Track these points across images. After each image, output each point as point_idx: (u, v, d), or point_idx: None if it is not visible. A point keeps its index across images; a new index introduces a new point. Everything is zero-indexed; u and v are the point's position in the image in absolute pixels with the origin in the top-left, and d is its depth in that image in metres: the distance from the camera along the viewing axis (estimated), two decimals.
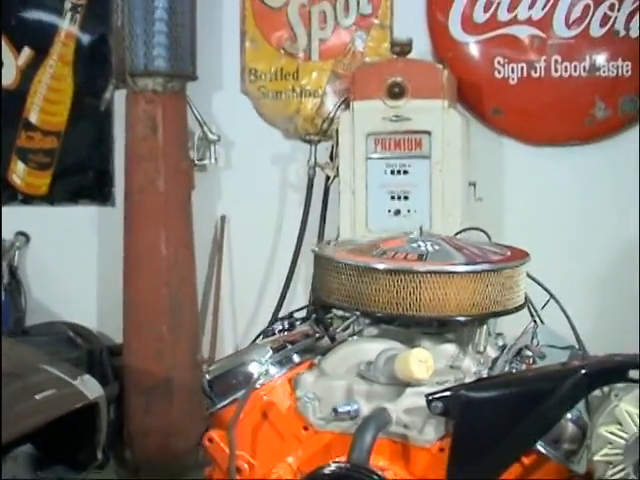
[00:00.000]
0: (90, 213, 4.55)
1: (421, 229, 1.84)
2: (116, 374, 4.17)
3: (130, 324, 4.06)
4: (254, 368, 1.68)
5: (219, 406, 1.70)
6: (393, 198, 3.61)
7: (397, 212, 3.61)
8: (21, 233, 4.65)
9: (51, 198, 4.65)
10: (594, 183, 3.90)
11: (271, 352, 1.70)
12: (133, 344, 4.06)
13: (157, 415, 4.00)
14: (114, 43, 4.11)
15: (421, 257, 1.72)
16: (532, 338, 1.84)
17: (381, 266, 1.68)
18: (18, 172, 4.70)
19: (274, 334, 1.86)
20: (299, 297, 4.05)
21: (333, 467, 1.51)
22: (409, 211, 3.60)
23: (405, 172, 3.59)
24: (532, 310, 1.98)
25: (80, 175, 4.62)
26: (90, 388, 3.02)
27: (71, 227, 4.57)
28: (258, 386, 1.66)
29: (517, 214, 3.94)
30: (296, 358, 1.74)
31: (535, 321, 2.00)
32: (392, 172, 3.60)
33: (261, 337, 1.87)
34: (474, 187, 3.73)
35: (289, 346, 1.75)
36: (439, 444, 1.54)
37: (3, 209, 4.62)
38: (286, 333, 1.86)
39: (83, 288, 4.55)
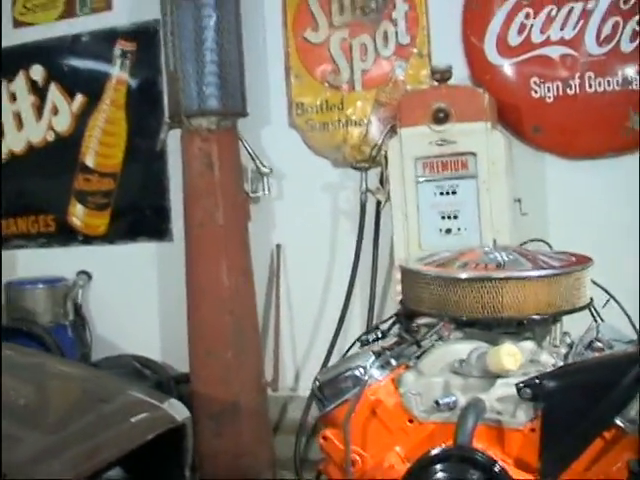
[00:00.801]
0: (149, 249, 4.87)
1: (495, 242, 2.14)
2: (182, 402, 4.44)
3: (196, 353, 4.32)
4: (360, 372, 1.98)
5: (331, 407, 1.99)
6: (443, 218, 3.88)
7: (448, 231, 3.87)
8: (83, 272, 4.98)
9: (110, 237, 4.99)
10: (632, 192, 4.11)
11: (373, 358, 2.00)
12: (200, 372, 4.32)
13: (226, 438, 4.24)
14: (167, 85, 4.42)
15: (499, 266, 2.01)
16: (597, 333, 2.13)
17: (466, 276, 1.97)
18: (77, 214, 5.04)
19: (369, 343, 2.15)
20: (356, 318, 4.31)
21: (440, 450, 1.80)
22: (459, 229, 3.86)
23: (453, 192, 3.86)
24: (593, 310, 2.27)
25: (137, 213, 4.95)
26: (177, 411, 3.28)
27: (131, 264, 4.89)
28: (366, 387, 1.95)
29: (561, 226, 4.14)
30: (394, 362, 2.04)
31: (596, 319, 2.28)
32: (441, 193, 3.87)
33: (358, 345, 2.16)
34: (519, 203, 3.98)
35: (387, 352, 2.04)
36: (530, 425, 1.83)
37: (64, 250, 4.98)
38: (380, 341, 2.15)
39: (146, 321, 4.86)
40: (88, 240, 5.04)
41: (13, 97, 5.20)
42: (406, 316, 2.16)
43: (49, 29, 5.11)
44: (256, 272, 4.38)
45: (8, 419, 2.76)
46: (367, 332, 2.23)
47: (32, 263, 5.20)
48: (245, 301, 4.32)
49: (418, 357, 2.02)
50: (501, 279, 1.94)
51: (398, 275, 2.67)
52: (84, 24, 5.02)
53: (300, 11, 4.50)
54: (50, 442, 2.74)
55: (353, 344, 2.19)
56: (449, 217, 3.88)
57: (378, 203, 4.15)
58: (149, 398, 3.31)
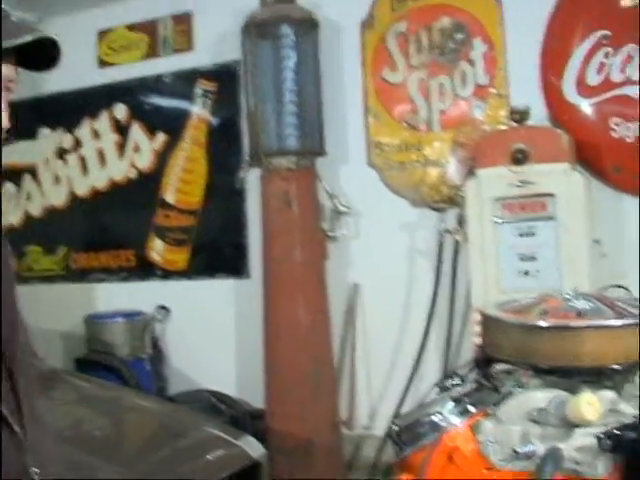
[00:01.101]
0: (227, 285, 4.96)
1: (575, 290, 2.15)
2: (257, 437, 4.49)
3: (272, 389, 4.39)
4: (438, 418, 2.00)
5: (408, 452, 2.02)
6: (522, 259, 3.88)
7: (526, 273, 3.87)
8: (162, 307, 5.09)
9: (189, 273, 5.11)
10: None
11: (452, 404, 2.02)
12: (276, 408, 4.38)
13: (300, 475, 4.27)
14: (247, 125, 4.52)
15: (579, 314, 2.02)
16: None
17: (546, 324, 1.99)
18: (157, 249, 5.18)
19: (447, 389, 2.18)
20: (432, 358, 4.32)
21: None
22: (538, 271, 3.86)
23: (532, 234, 3.86)
24: None
25: (216, 250, 5.06)
26: (253, 447, 3.34)
27: (209, 299, 5.00)
28: (444, 433, 1.97)
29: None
30: (472, 408, 2.05)
31: None
32: (520, 234, 3.88)
33: (436, 390, 2.18)
34: (598, 244, 3.96)
35: (465, 398, 2.06)
36: (609, 477, 1.83)
37: (144, 284, 5.10)
38: (458, 387, 2.17)
39: (222, 356, 4.95)
40: (167, 275, 5.17)
41: (96, 135, 5.37)
42: (484, 362, 2.18)
43: (132, 69, 5.30)
44: (333, 310, 4.43)
45: (84, 450, 2.86)
46: (445, 377, 2.25)
47: (112, 296, 5.35)
48: (321, 339, 4.37)
49: (497, 404, 2.04)
50: (582, 328, 1.95)
51: (476, 317, 2.69)
52: (166, 64, 5.19)
53: (378, 51, 4.58)
54: (125, 474, 2.82)
55: (431, 389, 2.21)
56: (527, 259, 3.88)
57: (456, 243, 4.17)
58: (225, 434, 3.38)
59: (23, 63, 1.34)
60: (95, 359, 4.93)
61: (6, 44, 1.25)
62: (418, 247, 4.45)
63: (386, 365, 4.52)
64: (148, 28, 5.24)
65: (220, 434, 3.37)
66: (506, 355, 2.07)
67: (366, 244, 4.58)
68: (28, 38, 1.27)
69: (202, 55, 5.06)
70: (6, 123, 1.34)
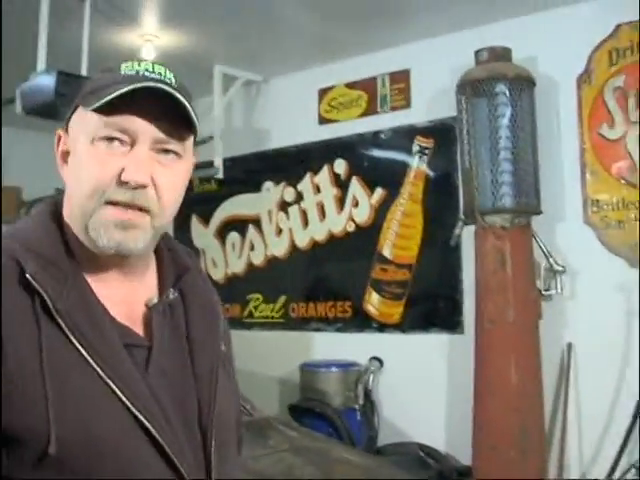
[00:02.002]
0: (440, 340, 5.03)
1: None
2: None
3: (480, 447, 4.39)
4: None
5: None
6: None
7: None
8: (375, 358, 5.22)
9: (403, 326, 5.22)
10: None
11: None
12: (483, 467, 4.37)
13: None
14: (462, 183, 4.59)
15: None
16: None
17: None
18: (373, 302, 5.33)
19: None
20: None
21: None
22: None
23: None
24: None
25: (430, 305, 5.14)
26: None
27: (422, 353, 5.08)
28: None
29: None
30: None
31: None
32: None
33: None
34: None
35: None
36: None
37: (359, 336, 5.26)
38: None
39: (433, 411, 5.00)
40: (382, 328, 5.30)
41: (318, 189, 5.61)
42: None
43: (352, 126, 5.52)
44: (545, 371, 4.39)
45: None
46: None
47: (328, 346, 5.54)
48: (532, 400, 4.34)
49: None
50: None
51: None
52: (384, 121, 5.38)
53: (596, 107, 4.53)
54: None
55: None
56: None
57: None
58: None
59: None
60: (309, 407, 5.10)
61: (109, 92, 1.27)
62: (635, 309, 4.32)
63: (599, 430, 4.40)
64: (367, 86, 5.44)
65: None
66: None
67: (581, 304, 4.51)
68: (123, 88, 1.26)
69: (418, 112, 5.20)
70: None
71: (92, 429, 1.23)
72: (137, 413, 1.25)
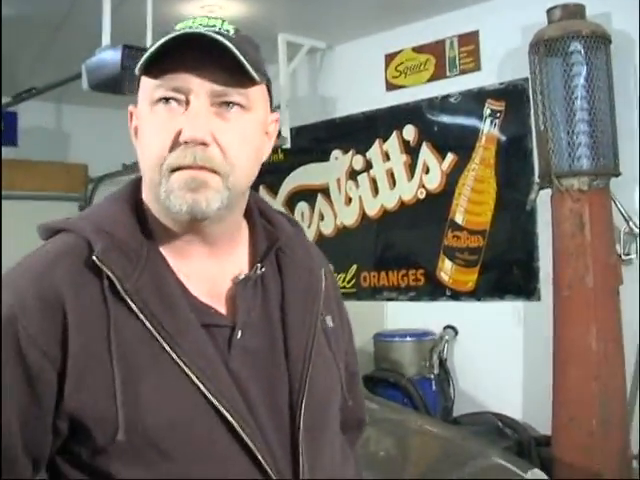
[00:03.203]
0: (516, 308, 4.92)
1: None
2: (542, 465, 4.40)
3: (559, 417, 4.29)
4: None
5: None
6: None
7: None
8: (449, 327, 5.15)
9: (477, 294, 5.12)
10: None
11: None
12: (562, 437, 4.28)
13: None
14: (537, 146, 4.46)
15: None
16: None
17: None
18: (446, 269, 5.24)
19: None
20: None
21: None
22: None
23: None
24: None
25: (505, 271, 5.03)
26: None
27: (497, 321, 4.98)
28: None
29: None
30: None
31: None
32: None
33: None
34: None
35: None
36: None
37: (432, 304, 5.18)
38: None
39: (509, 380, 4.91)
40: (455, 296, 5.21)
41: (387, 156, 5.52)
42: None
43: (420, 91, 5.41)
44: (626, 338, 4.26)
45: (368, 469, 2.94)
46: None
47: (400, 315, 5.47)
48: (613, 368, 4.22)
49: None
50: None
51: None
52: (453, 85, 5.26)
53: None
54: None
55: None
56: None
57: None
58: (512, 466, 3.33)
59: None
60: (383, 377, 5.06)
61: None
62: None
63: None
64: (435, 49, 5.32)
65: (507, 465, 3.33)
66: None
67: None
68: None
69: (489, 74, 5.06)
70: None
71: (163, 415, 1.18)
72: (211, 397, 1.19)
